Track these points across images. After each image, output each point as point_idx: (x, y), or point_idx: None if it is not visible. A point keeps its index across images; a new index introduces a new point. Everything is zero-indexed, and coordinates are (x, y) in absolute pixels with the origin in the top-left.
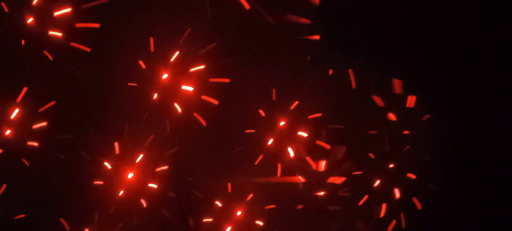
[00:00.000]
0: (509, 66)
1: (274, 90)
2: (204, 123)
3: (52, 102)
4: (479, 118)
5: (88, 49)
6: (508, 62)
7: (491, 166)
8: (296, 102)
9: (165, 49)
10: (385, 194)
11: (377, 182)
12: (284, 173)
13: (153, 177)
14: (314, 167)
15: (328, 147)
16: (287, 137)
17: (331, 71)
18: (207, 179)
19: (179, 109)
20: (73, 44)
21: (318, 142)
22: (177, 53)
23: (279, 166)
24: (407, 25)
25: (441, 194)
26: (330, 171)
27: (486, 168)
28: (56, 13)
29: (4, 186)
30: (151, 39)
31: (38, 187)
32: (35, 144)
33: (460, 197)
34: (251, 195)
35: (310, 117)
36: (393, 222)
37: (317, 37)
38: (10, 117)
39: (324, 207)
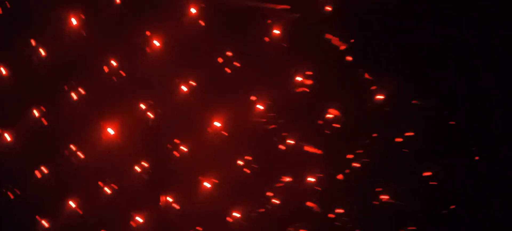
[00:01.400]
0: (509, 66)
1: None
2: None
3: None
4: (479, 117)
5: None
6: (508, 62)
7: (491, 166)
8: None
9: None
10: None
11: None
12: None
13: None
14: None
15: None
16: None
17: None
18: None
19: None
20: None
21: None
22: None
23: None
24: (405, 25)
25: (441, 194)
26: None
27: (486, 168)
28: None
29: None
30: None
31: None
32: None
33: (460, 197)
34: None
35: None
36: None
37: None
38: None
39: None
